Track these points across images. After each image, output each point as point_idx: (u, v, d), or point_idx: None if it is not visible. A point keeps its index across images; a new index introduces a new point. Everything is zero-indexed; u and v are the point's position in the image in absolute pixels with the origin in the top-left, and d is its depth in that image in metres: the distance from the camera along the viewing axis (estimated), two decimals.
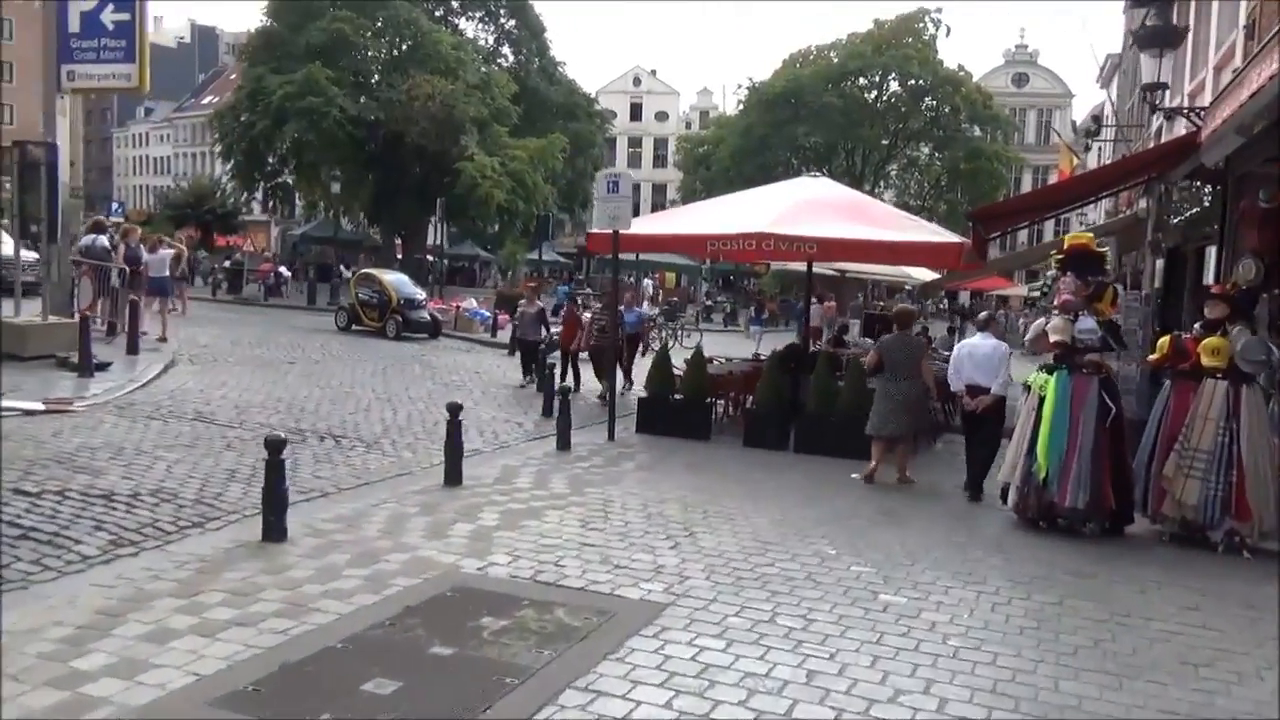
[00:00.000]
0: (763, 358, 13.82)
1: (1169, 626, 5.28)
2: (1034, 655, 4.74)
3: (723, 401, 12.40)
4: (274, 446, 5.96)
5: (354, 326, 22.25)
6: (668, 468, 9.26)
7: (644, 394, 11.68)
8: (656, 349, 13.94)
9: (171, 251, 17.08)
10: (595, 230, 11.25)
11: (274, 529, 5.94)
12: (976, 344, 8.74)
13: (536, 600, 5.09)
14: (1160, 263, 14.86)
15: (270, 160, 37.41)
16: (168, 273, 16.45)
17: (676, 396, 11.38)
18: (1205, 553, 6.91)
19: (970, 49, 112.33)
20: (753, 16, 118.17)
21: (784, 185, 13.85)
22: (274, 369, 14.42)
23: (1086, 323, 7.19)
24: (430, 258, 56.11)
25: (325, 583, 5.22)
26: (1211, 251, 10.97)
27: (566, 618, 4.84)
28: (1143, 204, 18.66)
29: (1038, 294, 39.50)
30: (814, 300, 32.02)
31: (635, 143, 73.61)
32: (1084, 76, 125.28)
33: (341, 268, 34.21)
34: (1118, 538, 7.25)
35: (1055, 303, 7.24)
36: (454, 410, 7.96)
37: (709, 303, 40.52)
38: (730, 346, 25.08)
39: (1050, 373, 7.28)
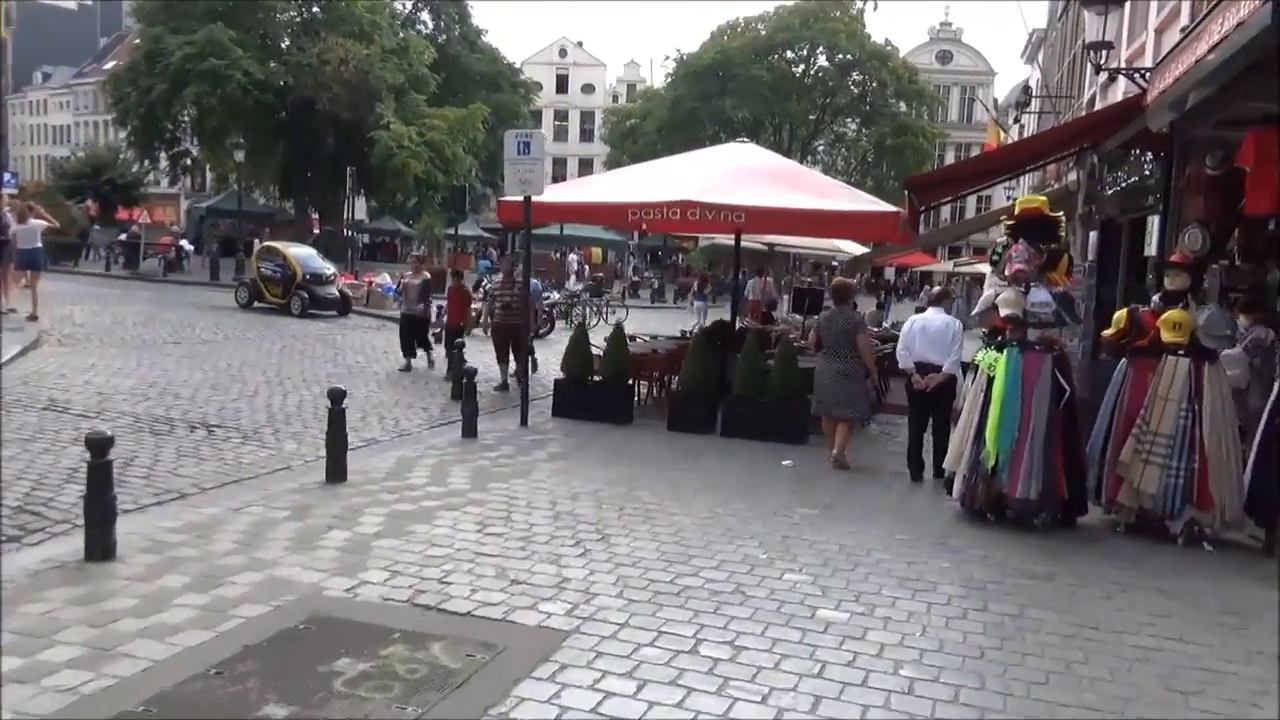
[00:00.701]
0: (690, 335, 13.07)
1: (1144, 641, 4.63)
2: (999, 686, 4.03)
3: (646, 383, 11.59)
4: (96, 446, 4.93)
5: (256, 304, 20.89)
6: (584, 456, 8.42)
7: (560, 375, 10.81)
8: (575, 326, 13.01)
9: (43, 223, 15.53)
10: (506, 198, 10.27)
11: (98, 545, 4.92)
12: (929, 319, 8.21)
13: (410, 632, 4.20)
14: (1094, 235, 14.49)
15: (170, 127, 35.22)
16: (39, 244, 14.95)
17: (595, 378, 10.53)
18: (1165, 546, 6.34)
19: (897, 25, 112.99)
20: None
21: (711, 151, 13.05)
22: (154, 350, 13.13)
23: (1040, 295, 6.54)
24: (349, 232, 54.36)
25: (147, 616, 4.25)
26: (1154, 222, 10.49)
27: (443, 656, 3.96)
28: (1073, 176, 18.38)
29: (965, 268, 39.65)
30: (755, 274, 31.70)
31: (562, 115, 72.09)
32: (1006, 55, 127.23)
33: (249, 241, 32.33)
34: (1070, 530, 6.65)
35: (1006, 273, 6.58)
36: (336, 397, 6.98)
37: (636, 278, 39.67)
38: (658, 323, 24.35)
39: (1000, 350, 6.61)
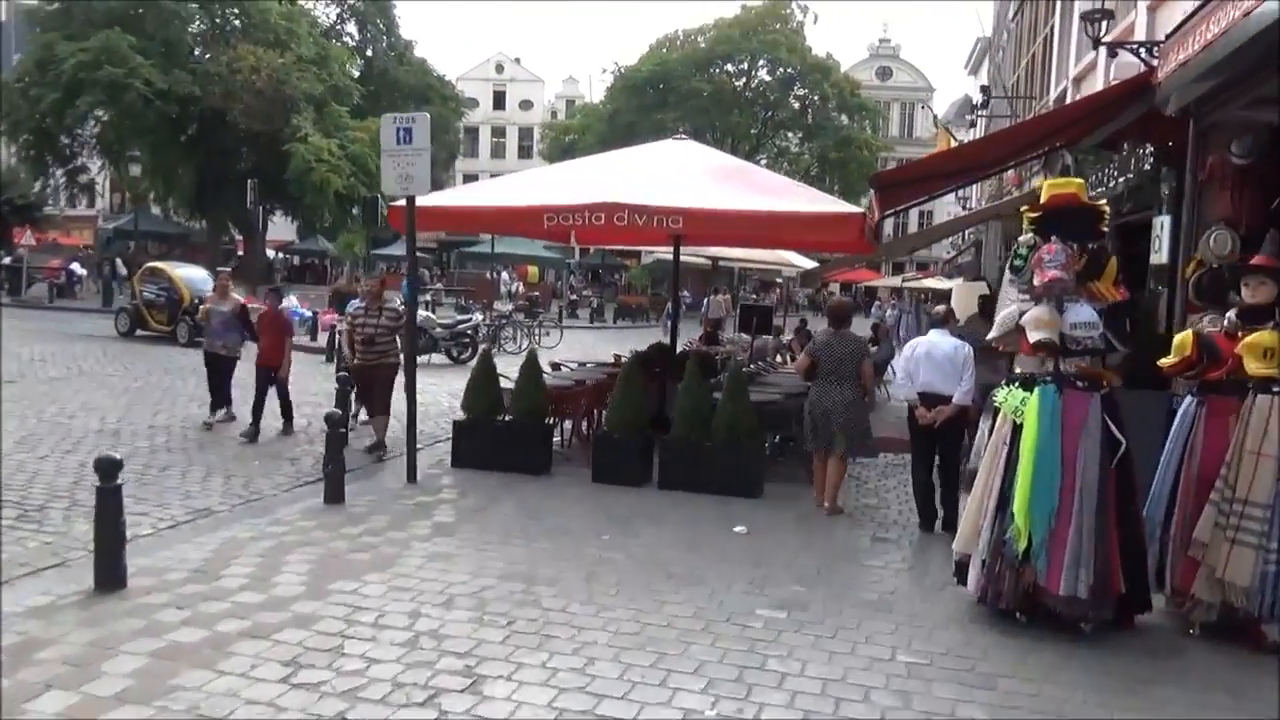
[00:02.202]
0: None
1: None
2: None
3: (571, 420, 9.69)
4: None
5: (139, 331, 18.57)
6: (478, 528, 6.47)
7: (460, 416, 8.87)
8: (479, 355, 11.07)
9: None
10: (395, 203, 8.29)
11: None
12: (934, 342, 7.07)
13: None
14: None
15: (66, 141, 32.43)
16: None
17: (505, 418, 8.62)
18: (1265, 661, 4.60)
19: (836, 42, 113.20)
20: (620, 2, 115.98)
21: (643, 149, 11.22)
22: None
23: (1082, 312, 4.80)
24: (275, 254, 51.58)
25: None
26: (1162, 224, 8.93)
27: None
28: (1038, 181, 17.01)
29: (913, 284, 38.53)
30: (713, 291, 29.98)
31: (499, 132, 70.14)
32: (944, 72, 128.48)
33: (119, 263, 29.55)
34: (1129, 635, 4.89)
35: (1035, 283, 4.83)
36: (106, 470, 4.95)
37: (574, 297, 37.75)
38: (593, 346, 22.46)
39: (1028, 388, 4.85)
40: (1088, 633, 4.74)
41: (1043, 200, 5.24)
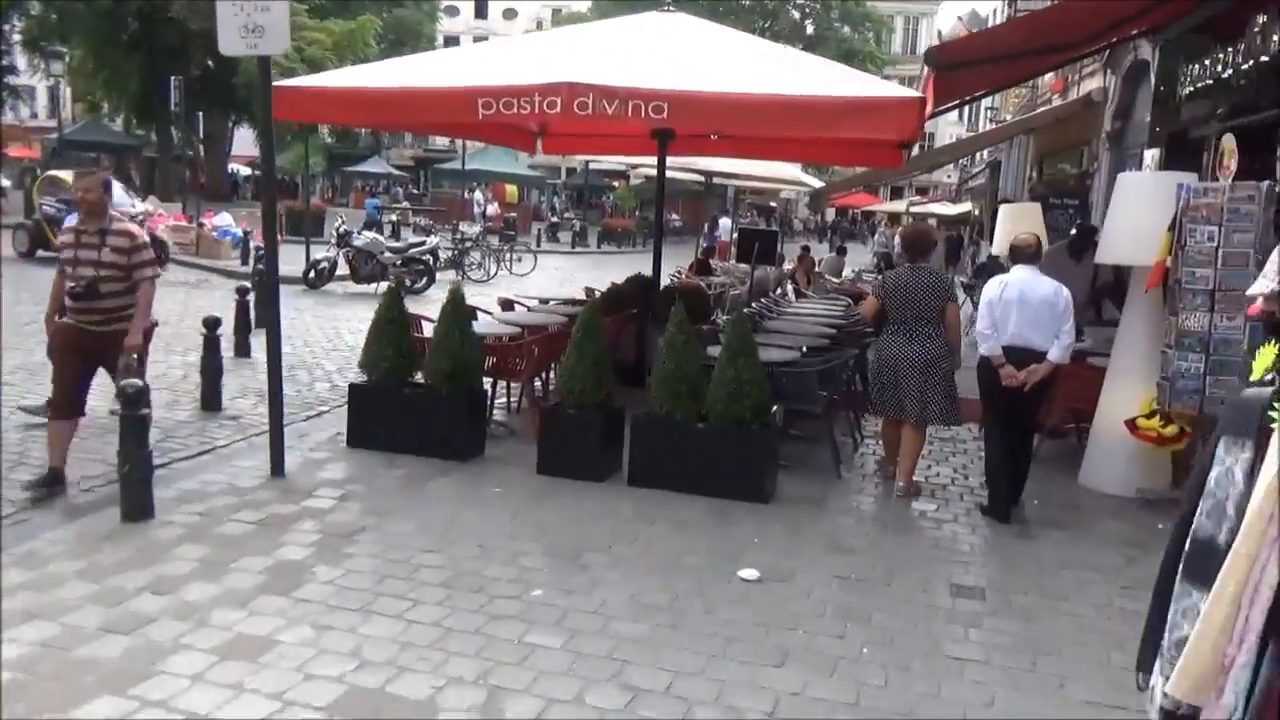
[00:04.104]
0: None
1: None
2: None
3: (517, 382, 7.30)
4: None
5: (40, 251, 16.01)
6: (338, 574, 4.14)
7: (360, 378, 6.49)
8: (386, 291, 8.62)
9: None
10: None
11: None
12: (1028, 282, 5.52)
13: None
14: (1151, 157, 10.51)
15: None
16: None
17: (416, 381, 6.26)
18: None
19: None
20: None
21: (619, 22, 8.53)
22: None
23: None
24: (245, 169, 48.36)
25: None
26: None
27: None
28: (1094, 84, 14.40)
29: (919, 208, 35.92)
30: (721, 212, 27.23)
31: (481, 42, 66.23)
32: None
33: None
34: None
35: None
36: None
37: (555, 220, 35.00)
38: (573, 276, 20.01)
39: None
40: None
41: None
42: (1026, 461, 5.77)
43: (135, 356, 5.03)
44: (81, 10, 27.18)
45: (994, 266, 16.40)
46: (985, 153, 27.81)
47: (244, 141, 41.20)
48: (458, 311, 6.15)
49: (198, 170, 37.37)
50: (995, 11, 33.29)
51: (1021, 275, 5.55)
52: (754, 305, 10.40)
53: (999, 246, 11.16)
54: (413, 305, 7.03)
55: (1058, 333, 5.42)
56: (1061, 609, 4.19)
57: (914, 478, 5.93)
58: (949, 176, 45.22)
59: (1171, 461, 6.04)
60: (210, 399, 7.19)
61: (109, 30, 29.44)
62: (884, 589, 4.29)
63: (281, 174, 49.91)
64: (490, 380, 6.94)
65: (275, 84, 6.32)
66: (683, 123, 6.71)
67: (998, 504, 5.52)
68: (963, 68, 7.05)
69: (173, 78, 21.46)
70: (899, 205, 40.53)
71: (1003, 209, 11.62)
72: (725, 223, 26.29)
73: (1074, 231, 10.08)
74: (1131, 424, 5.83)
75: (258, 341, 10.10)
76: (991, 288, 5.61)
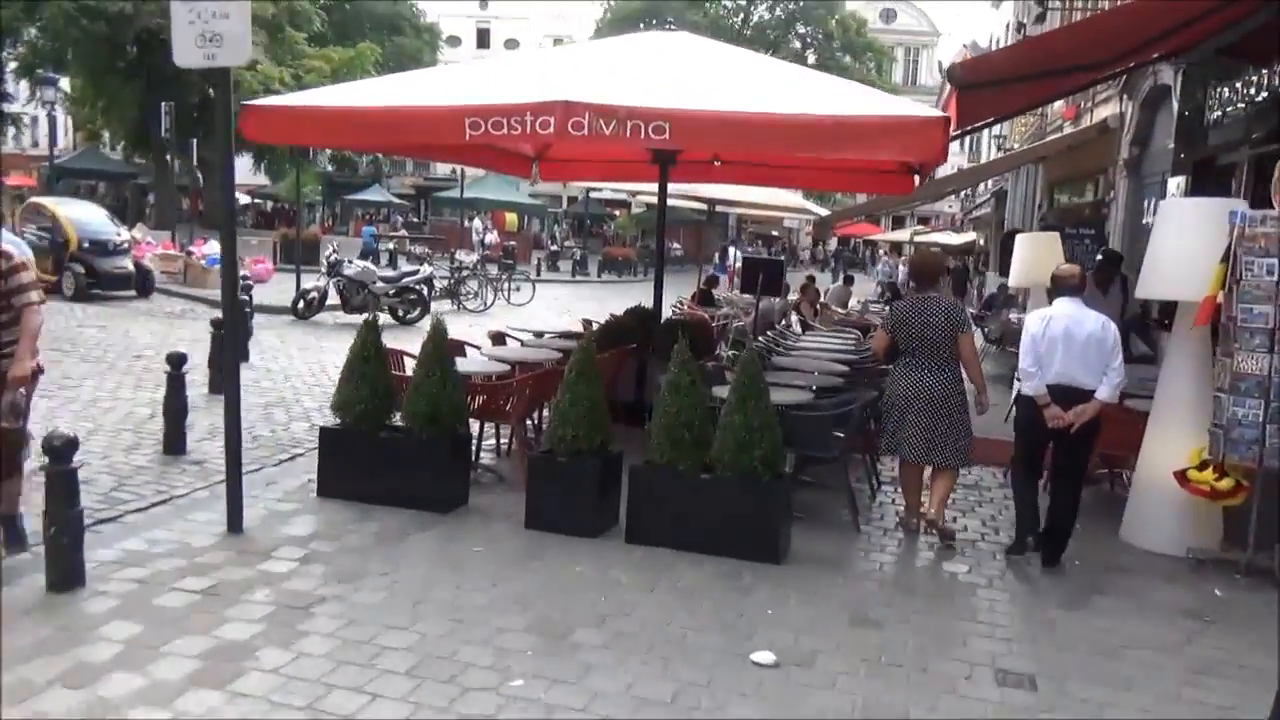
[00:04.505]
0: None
1: None
2: None
3: (503, 421, 6.74)
4: None
5: None
6: (285, 661, 3.57)
7: (331, 420, 5.94)
8: (364, 325, 8.12)
9: None
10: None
11: None
12: (1073, 317, 5.10)
13: None
14: (1175, 185, 10.01)
15: None
16: None
17: (394, 424, 5.71)
18: None
19: None
20: None
21: (619, 40, 8.06)
22: None
23: None
24: (245, 197, 48.04)
25: None
26: None
27: None
28: (1110, 110, 13.96)
29: (923, 238, 35.51)
30: (728, 242, 26.49)
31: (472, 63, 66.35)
32: (949, 18, 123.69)
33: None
34: None
35: None
36: None
37: (555, 248, 34.57)
38: (572, 305, 19.53)
39: None
40: None
41: None
42: (1072, 515, 5.23)
43: (23, 392, 4.41)
44: (78, 37, 26.88)
45: (1006, 299, 15.97)
46: (990, 182, 27.41)
47: (245, 169, 40.94)
48: (440, 348, 5.61)
49: (197, 198, 37.06)
50: (996, 42, 33.09)
51: (1066, 309, 5.10)
52: (760, 339, 9.89)
53: (1015, 278, 10.65)
54: (404, 337, 6.52)
55: (1106, 370, 4.97)
56: (1125, 702, 3.62)
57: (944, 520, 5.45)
58: (950, 206, 44.92)
59: (1224, 518, 5.48)
60: (173, 442, 6.63)
61: (107, 57, 29.20)
62: (919, 675, 3.71)
63: (280, 202, 49.91)
64: (478, 422, 6.39)
65: (246, 102, 5.86)
66: (687, 144, 6.26)
67: (1024, 538, 5.24)
68: (986, 87, 6.55)
69: (163, 104, 21.09)
70: (902, 234, 40.14)
71: (1020, 239, 11.10)
72: (734, 252, 25.87)
73: (1100, 258, 9.58)
74: (1181, 476, 5.28)
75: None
76: (1033, 322, 5.15)
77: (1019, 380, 5.50)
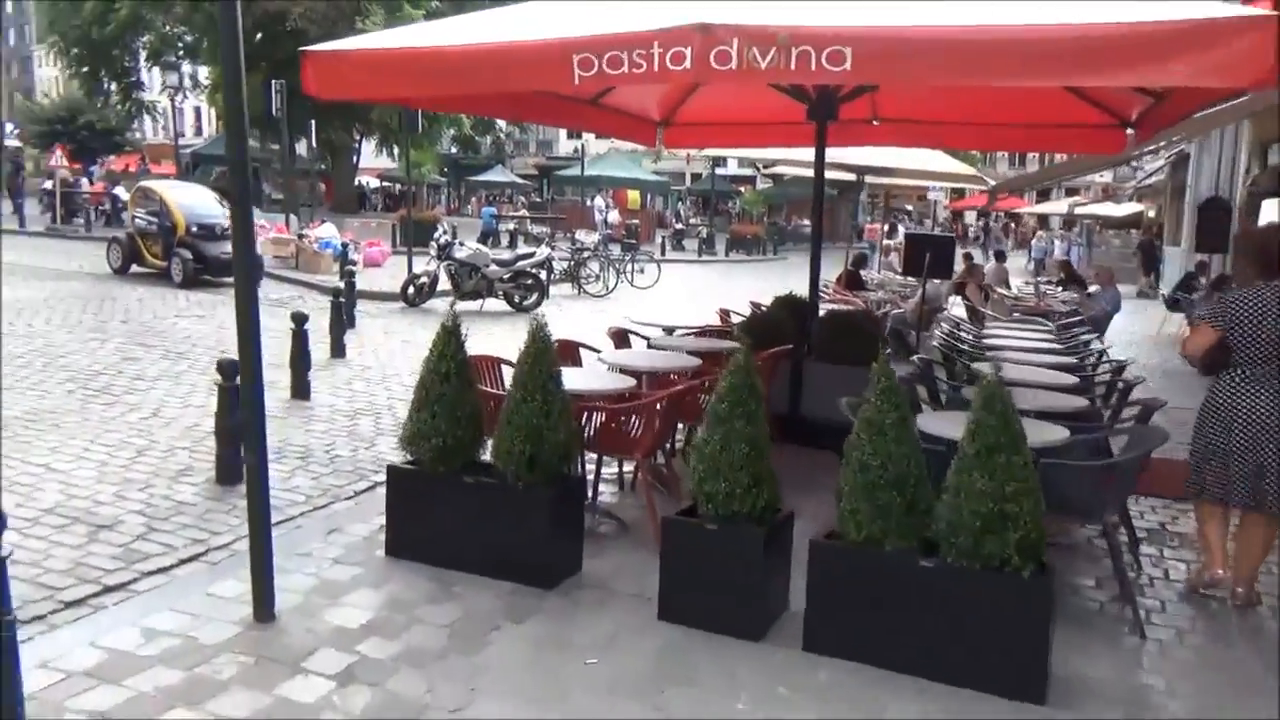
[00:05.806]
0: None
1: None
2: None
3: (628, 456, 5.22)
4: None
5: (134, 266, 15.05)
6: None
7: (401, 459, 4.50)
8: (441, 329, 6.67)
9: None
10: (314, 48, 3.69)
11: None
12: None
13: None
14: None
15: (117, 54, 29.33)
16: None
17: (484, 461, 4.28)
18: None
19: None
20: None
21: None
22: None
23: None
24: (372, 181, 48.40)
25: None
26: None
27: None
28: None
29: (1082, 209, 32.36)
30: (894, 217, 23.81)
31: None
32: None
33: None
34: None
35: None
36: None
37: (680, 226, 33.00)
38: (702, 288, 17.98)
39: None
40: None
41: None
42: None
43: None
44: (203, 24, 26.82)
45: (1219, 279, 13.53)
46: (1161, 147, 24.23)
47: (369, 153, 40.94)
48: (541, 361, 4.12)
49: (330, 185, 37.17)
50: None
51: None
52: (937, 334, 8.11)
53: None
54: (521, 326, 5.08)
55: None
56: None
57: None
58: (1102, 176, 40.95)
59: None
60: (227, 469, 5.42)
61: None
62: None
63: (407, 184, 50.03)
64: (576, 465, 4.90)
65: (307, 49, 4.50)
66: (875, 77, 4.60)
67: None
68: None
69: (273, 81, 20.45)
70: (1058, 206, 36.77)
71: (1266, 204, 8.90)
72: (901, 229, 23.72)
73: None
74: None
75: (325, 377, 8.46)
76: None
77: None
